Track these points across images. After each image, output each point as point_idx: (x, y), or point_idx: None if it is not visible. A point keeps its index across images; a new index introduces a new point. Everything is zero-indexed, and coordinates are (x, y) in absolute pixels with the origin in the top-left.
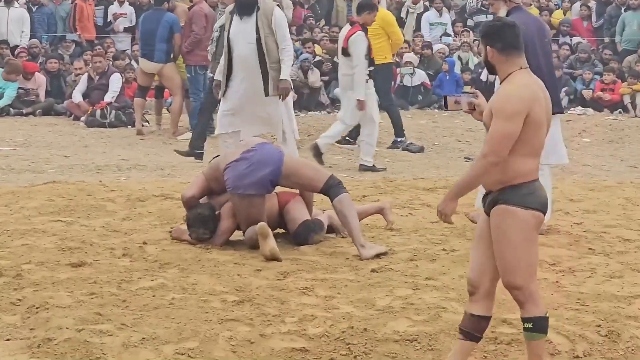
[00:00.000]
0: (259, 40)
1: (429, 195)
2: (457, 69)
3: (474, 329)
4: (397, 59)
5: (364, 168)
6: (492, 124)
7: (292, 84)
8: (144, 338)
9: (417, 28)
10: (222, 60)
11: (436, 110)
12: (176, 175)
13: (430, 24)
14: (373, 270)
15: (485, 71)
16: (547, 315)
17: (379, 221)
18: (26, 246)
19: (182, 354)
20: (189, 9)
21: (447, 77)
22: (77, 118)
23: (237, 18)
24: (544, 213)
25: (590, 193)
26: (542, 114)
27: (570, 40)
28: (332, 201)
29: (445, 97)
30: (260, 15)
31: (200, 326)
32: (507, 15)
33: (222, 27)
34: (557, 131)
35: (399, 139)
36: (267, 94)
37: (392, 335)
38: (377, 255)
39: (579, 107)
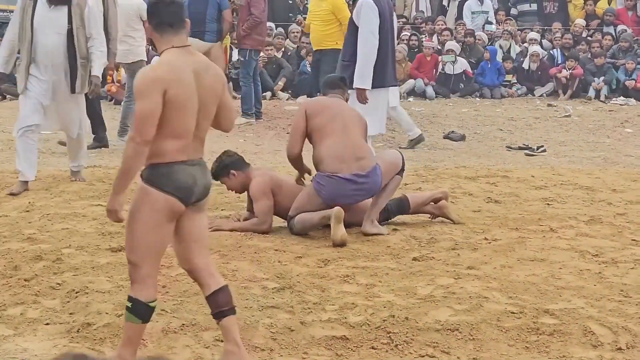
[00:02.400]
0: (70, 31)
1: (470, 184)
2: (499, 57)
3: (218, 306)
4: (439, 47)
5: None
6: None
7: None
8: (183, 324)
9: (459, 16)
10: (22, 49)
11: (477, 99)
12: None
13: (472, 13)
14: (414, 259)
15: (527, 59)
16: (153, 305)
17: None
18: (66, 230)
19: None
20: None
21: (489, 66)
22: (117, 102)
23: (43, 4)
24: (182, 199)
25: (633, 184)
26: (183, 95)
27: (615, 29)
28: None
29: None
30: (74, 4)
31: (241, 313)
32: None
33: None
34: (384, 104)
35: None
36: (73, 91)
37: (433, 325)
38: (374, 235)
39: (621, 97)
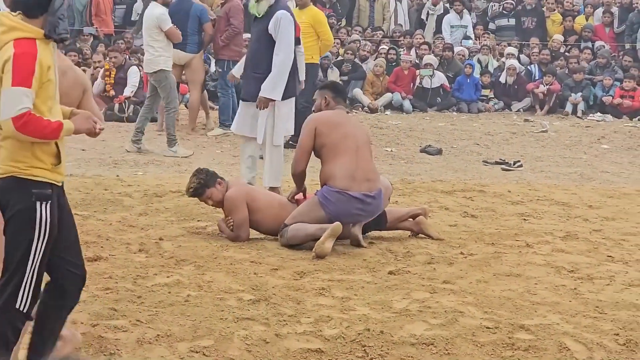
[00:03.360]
0: None
1: (447, 198)
2: (477, 72)
3: None
4: (417, 60)
5: None
6: None
7: None
8: (158, 335)
9: (438, 30)
10: None
11: (455, 113)
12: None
13: (451, 27)
14: (390, 273)
15: (504, 74)
16: None
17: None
18: None
19: (197, 352)
20: (223, 3)
21: (468, 80)
22: None
23: None
24: None
25: (609, 200)
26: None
27: (593, 45)
28: None
29: None
30: None
31: (216, 324)
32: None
33: None
34: (293, 112)
35: None
36: None
37: (408, 339)
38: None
39: (598, 114)
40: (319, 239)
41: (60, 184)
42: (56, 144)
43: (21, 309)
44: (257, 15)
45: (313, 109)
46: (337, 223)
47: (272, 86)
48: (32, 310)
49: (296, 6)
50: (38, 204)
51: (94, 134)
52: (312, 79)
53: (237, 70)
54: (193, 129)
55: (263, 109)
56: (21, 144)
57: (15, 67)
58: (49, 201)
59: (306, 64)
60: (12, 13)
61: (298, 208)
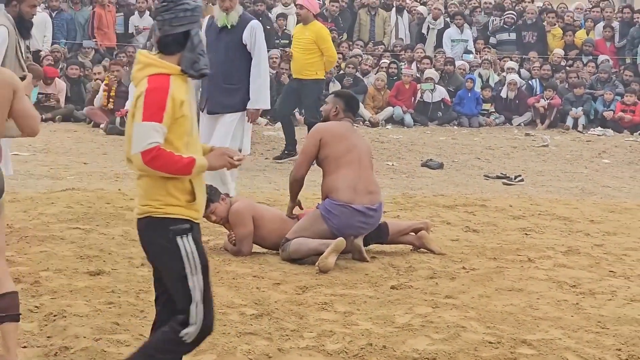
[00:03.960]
0: None
1: (448, 213)
2: (477, 86)
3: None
4: (418, 74)
5: None
6: None
7: None
8: None
9: (438, 44)
10: None
11: (455, 127)
12: None
13: (452, 41)
14: (393, 287)
15: (505, 88)
16: None
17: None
18: (44, 253)
19: None
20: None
21: (469, 94)
22: (96, 125)
23: None
24: None
25: (610, 215)
26: None
27: (595, 60)
28: None
29: None
30: None
31: (218, 339)
32: None
33: None
34: None
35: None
36: None
37: (411, 353)
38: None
39: (599, 128)
40: (321, 253)
41: (197, 221)
42: (190, 181)
43: (186, 340)
44: (228, 26)
45: (322, 111)
46: (341, 239)
47: (261, 96)
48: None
49: (297, 22)
50: (179, 239)
51: (233, 167)
52: (317, 94)
53: None
54: None
55: (254, 121)
56: (155, 181)
57: (146, 102)
58: (189, 234)
59: (310, 80)
60: (151, 52)
61: (299, 222)
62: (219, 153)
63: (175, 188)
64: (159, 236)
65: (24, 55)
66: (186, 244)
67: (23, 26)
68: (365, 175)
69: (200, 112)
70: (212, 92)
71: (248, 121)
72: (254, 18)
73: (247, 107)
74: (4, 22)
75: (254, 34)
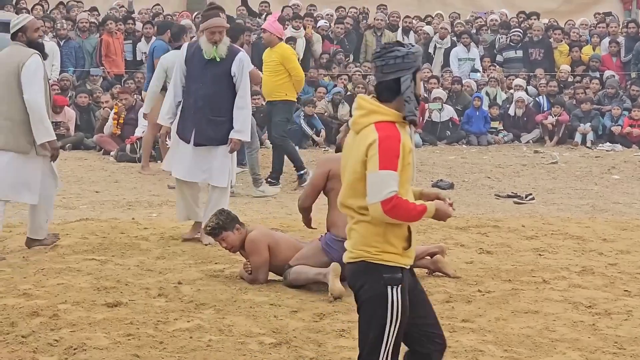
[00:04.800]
0: None
1: (461, 235)
2: (485, 104)
3: None
4: (426, 94)
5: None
6: None
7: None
8: None
9: (445, 63)
10: None
11: (464, 146)
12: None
13: (459, 60)
14: None
15: (513, 106)
16: None
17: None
18: (62, 285)
19: None
20: None
21: (477, 113)
22: (107, 152)
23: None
24: None
25: (623, 233)
26: None
27: (601, 75)
28: None
29: None
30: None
31: None
32: None
33: None
34: None
35: (301, 172)
36: None
37: None
38: None
39: (608, 143)
40: (318, 282)
41: (408, 267)
42: (408, 227)
43: None
44: (217, 59)
45: (338, 140)
46: (335, 263)
47: (245, 127)
48: None
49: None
50: (389, 288)
51: (448, 216)
52: (284, 115)
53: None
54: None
55: (235, 150)
56: (375, 228)
57: (381, 150)
58: (400, 285)
59: (279, 101)
60: (368, 97)
61: (302, 250)
62: (443, 202)
63: (394, 235)
64: (370, 281)
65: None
66: (395, 294)
67: (38, 51)
68: None
69: (184, 144)
70: (198, 124)
71: (229, 151)
72: (240, 49)
73: (230, 136)
74: (34, 52)
75: (241, 66)
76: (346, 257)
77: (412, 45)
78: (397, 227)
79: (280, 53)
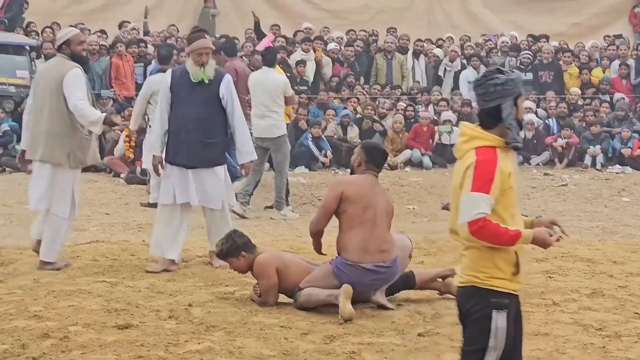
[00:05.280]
0: None
1: None
2: None
3: None
4: (436, 117)
5: None
6: None
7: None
8: None
9: (455, 86)
10: None
11: None
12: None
13: (469, 82)
14: (420, 335)
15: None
16: None
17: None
18: (72, 307)
19: None
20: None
21: None
22: (117, 175)
23: None
24: None
25: (633, 255)
26: None
27: (611, 98)
28: None
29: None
30: None
31: None
32: None
33: None
34: None
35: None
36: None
37: None
38: (383, 305)
39: (617, 166)
40: (329, 304)
41: (517, 293)
42: (515, 253)
43: None
44: (206, 81)
45: (352, 162)
46: (346, 285)
47: (249, 148)
48: None
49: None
50: (495, 312)
51: (548, 245)
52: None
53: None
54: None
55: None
56: (482, 253)
57: (476, 173)
58: (506, 311)
59: None
60: (471, 124)
61: (313, 273)
62: (545, 230)
63: (502, 260)
64: (477, 304)
65: None
66: (500, 319)
67: (81, 64)
68: (378, 234)
69: (176, 169)
70: (190, 147)
71: (244, 174)
72: (225, 72)
73: (241, 162)
74: (75, 65)
75: (229, 88)
76: (456, 281)
77: (512, 72)
78: (505, 252)
79: None
